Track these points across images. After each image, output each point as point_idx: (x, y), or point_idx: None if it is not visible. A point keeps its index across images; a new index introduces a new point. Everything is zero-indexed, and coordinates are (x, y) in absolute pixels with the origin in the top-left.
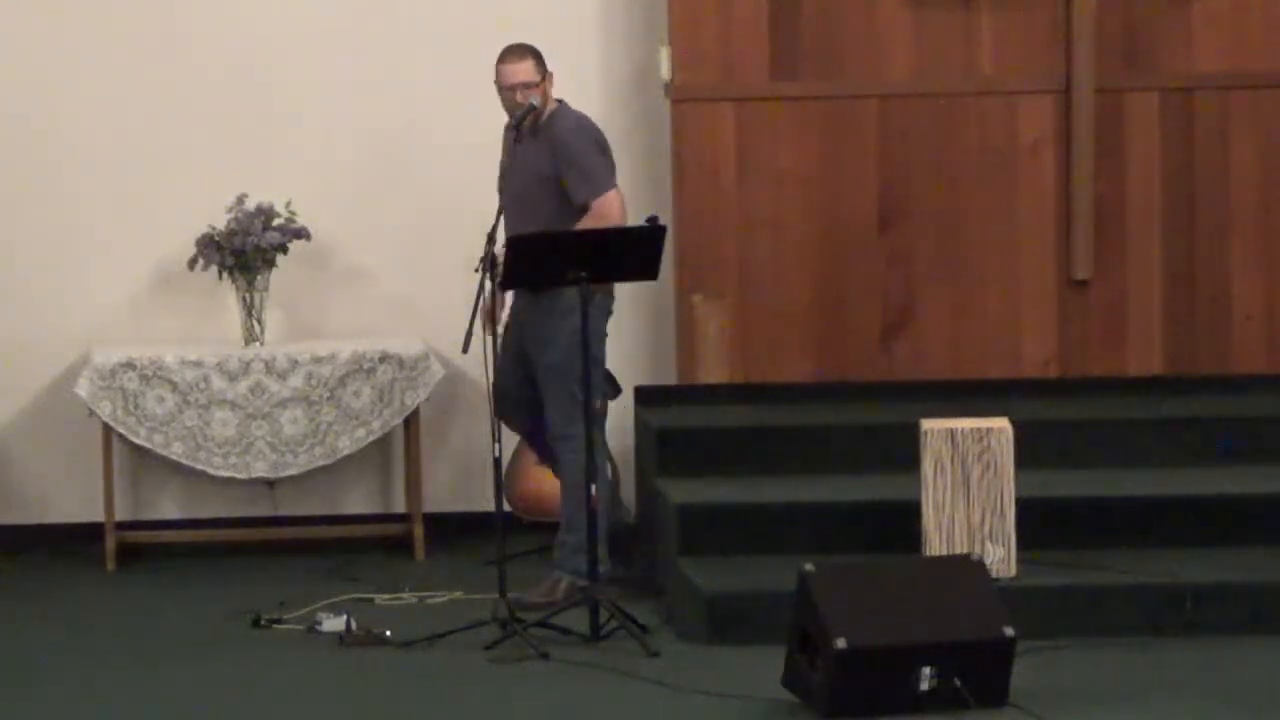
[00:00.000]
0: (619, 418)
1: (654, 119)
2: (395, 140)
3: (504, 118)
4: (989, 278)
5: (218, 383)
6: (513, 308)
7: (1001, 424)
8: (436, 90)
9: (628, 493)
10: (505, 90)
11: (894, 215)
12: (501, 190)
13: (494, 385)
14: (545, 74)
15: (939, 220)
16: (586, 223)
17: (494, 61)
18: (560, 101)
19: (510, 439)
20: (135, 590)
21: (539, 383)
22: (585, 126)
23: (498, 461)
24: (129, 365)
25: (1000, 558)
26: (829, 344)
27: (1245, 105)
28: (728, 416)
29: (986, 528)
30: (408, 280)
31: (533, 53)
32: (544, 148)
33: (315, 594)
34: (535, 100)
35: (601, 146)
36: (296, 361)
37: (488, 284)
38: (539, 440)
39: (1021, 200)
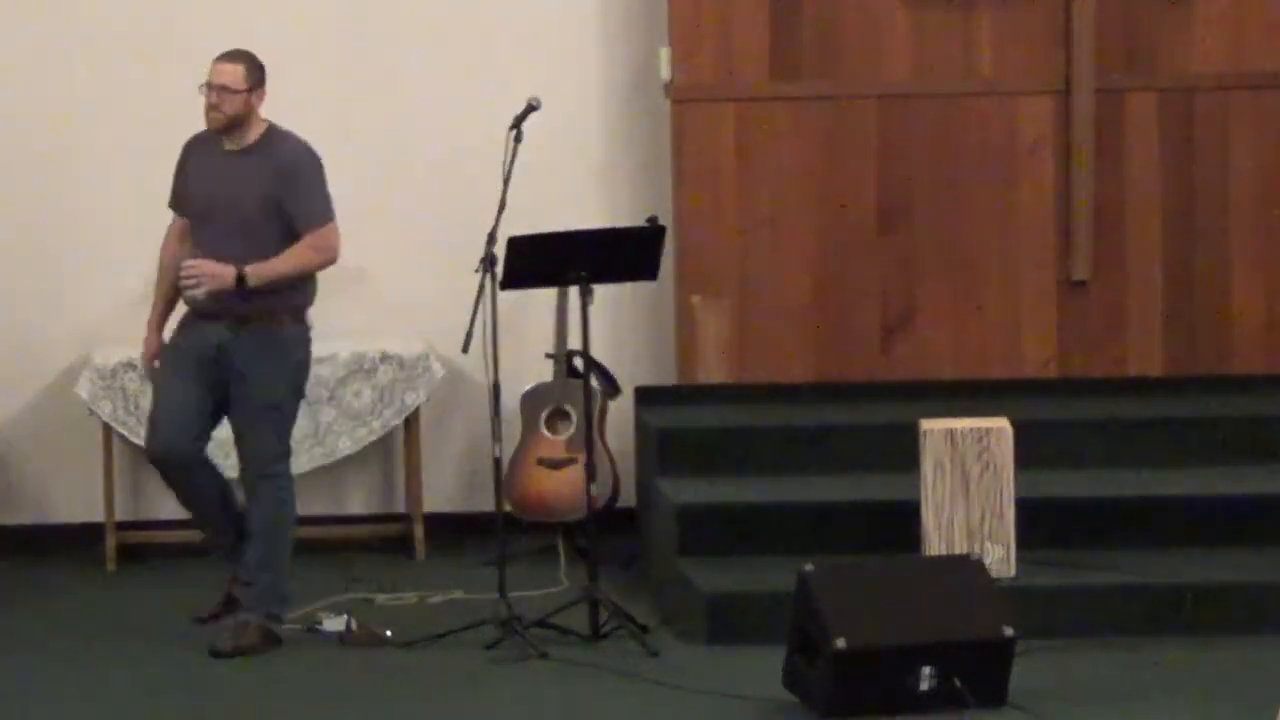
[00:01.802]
0: (619, 418)
1: (654, 119)
2: (395, 141)
3: (505, 121)
4: (989, 278)
5: None
6: (187, 335)
7: (1001, 424)
8: (436, 90)
9: (628, 493)
10: (207, 86)
11: (894, 215)
12: (195, 206)
13: (158, 414)
14: (256, 87)
15: (939, 220)
16: (305, 251)
17: (493, 62)
18: (269, 122)
19: (510, 439)
20: (135, 590)
21: (241, 421)
22: (314, 152)
23: (498, 461)
24: (129, 365)
25: (1000, 558)
26: (829, 344)
27: (1245, 105)
28: (728, 416)
29: (986, 528)
30: (408, 280)
31: (248, 61)
32: (267, 168)
33: (315, 594)
34: (535, 101)
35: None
36: None
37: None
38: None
39: (1021, 200)
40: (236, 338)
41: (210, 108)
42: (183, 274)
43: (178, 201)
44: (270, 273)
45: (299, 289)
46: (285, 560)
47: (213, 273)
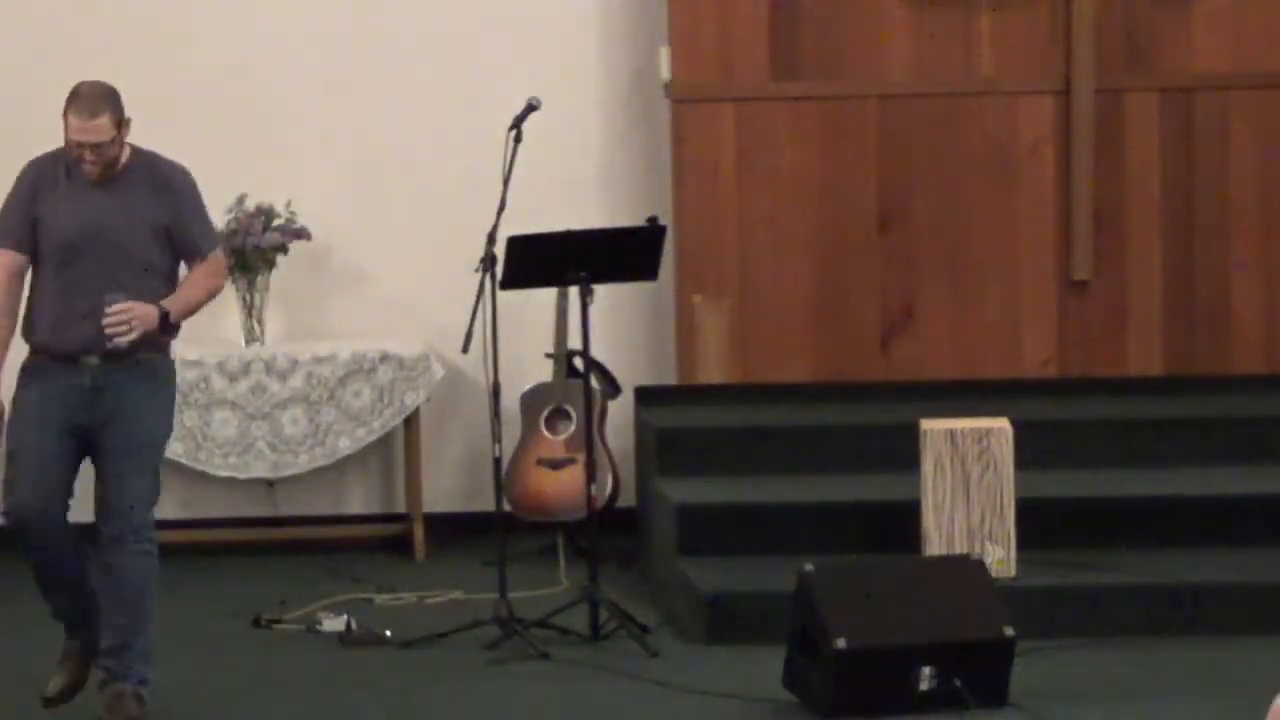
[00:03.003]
0: (619, 418)
1: (654, 119)
2: (395, 140)
3: (505, 121)
4: (989, 278)
5: (218, 383)
6: (47, 379)
7: (1001, 424)
8: (436, 90)
9: (628, 493)
10: (74, 145)
11: (894, 215)
12: (62, 240)
13: (26, 470)
14: (124, 123)
15: (939, 220)
16: (202, 277)
17: (493, 62)
18: (132, 145)
19: (510, 439)
20: None
21: (116, 460)
22: (190, 173)
23: (498, 461)
24: None
25: (1000, 558)
26: (829, 344)
27: (1245, 105)
28: (728, 416)
29: (986, 528)
30: (408, 280)
31: (109, 104)
32: (151, 193)
33: (315, 594)
34: (535, 101)
35: None
36: (296, 361)
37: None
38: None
39: (1021, 200)
40: (112, 373)
41: (87, 164)
42: (110, 320)
43: (24, 235)
44: (187, 305)
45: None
46: (154, 621)
47: (143, 315)
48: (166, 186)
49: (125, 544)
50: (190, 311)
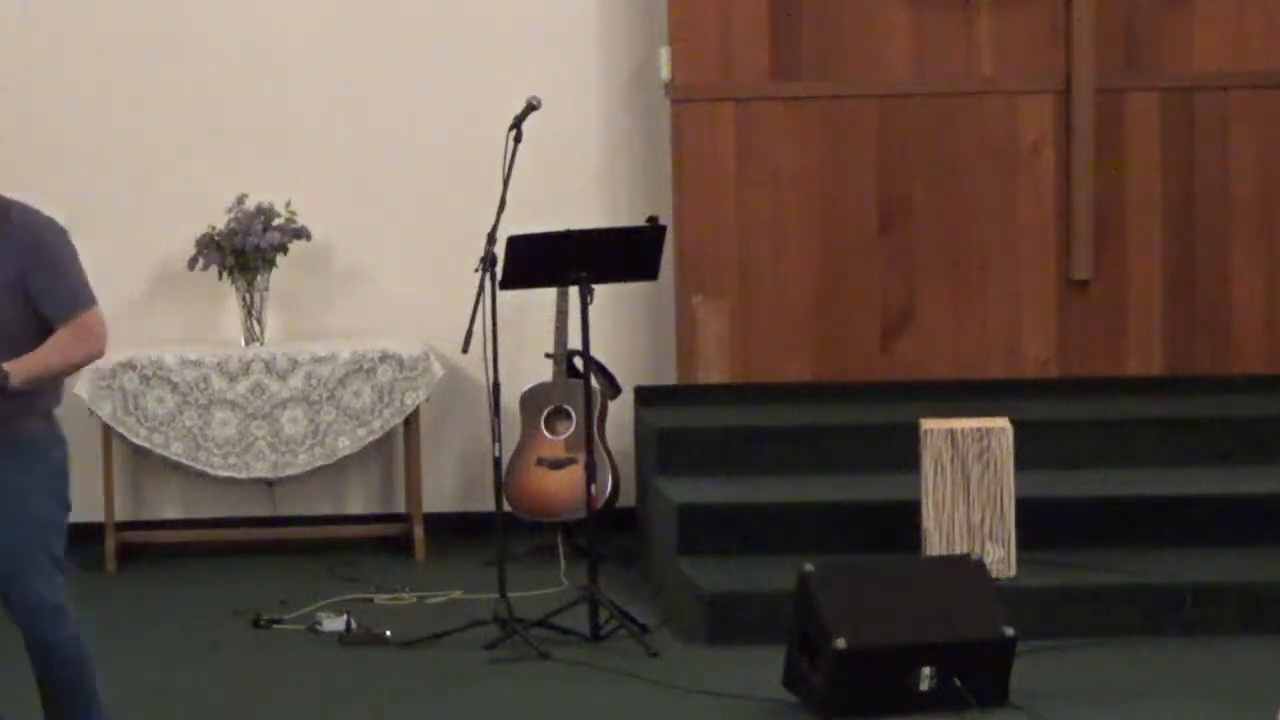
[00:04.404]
0: (619, 418)
1: (654, 119)
2: (395, 140)
3: (505, 121)
4: (989, 278)
5: (218, 383)
6: None
7: (1001, 424)
8: (436, 90)
9: (628, 493)
10: None
11: (894, 215)
12: None
13: None
14: None
15: (939, 220)
16: (70, 341)
17: (493, 62)
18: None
19: (510, 439)
20: (135, 590)
21: (4, 552)
22: (61, 228)
23: (498, 461)
24: (129, 365)
25: (1000, 558)
26: (829, 344)
27: (1245, 105)
28: (728, 416)
29: (986, 528)
30: (408, 280)
31: None
32: (6, 250)
33: (315, 594)
34: (535, 101)
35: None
36: (296, 361)
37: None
38: None
39: (1021, 200)
40: None
41: None
42: None
43: None
44: (35, 367)
45: (46, 387)
46: (99, 704)
47: None
48: (23, 239)
49: (42, 638)
50: (42, 377)
